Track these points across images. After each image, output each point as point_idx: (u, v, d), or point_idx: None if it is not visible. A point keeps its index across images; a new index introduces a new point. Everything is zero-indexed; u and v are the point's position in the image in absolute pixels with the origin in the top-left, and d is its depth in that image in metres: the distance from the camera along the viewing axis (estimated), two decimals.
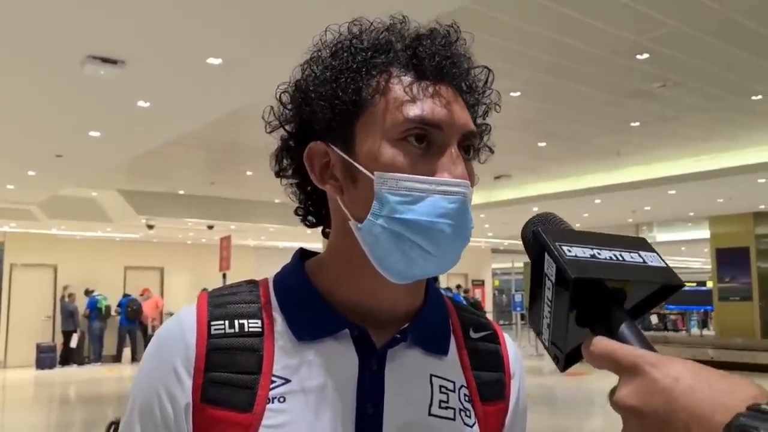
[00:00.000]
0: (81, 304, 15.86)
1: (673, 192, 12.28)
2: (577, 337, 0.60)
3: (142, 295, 16.38)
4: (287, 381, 0.74)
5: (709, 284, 18.34)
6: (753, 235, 15.17)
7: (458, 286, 19.69)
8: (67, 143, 8.20)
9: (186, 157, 10.28)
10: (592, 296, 0.59)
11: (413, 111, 0.73)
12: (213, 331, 0.76)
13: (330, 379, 0.75)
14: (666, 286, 0.62)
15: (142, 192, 12.96)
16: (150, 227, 14.49)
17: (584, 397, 9.53)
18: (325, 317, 0.77)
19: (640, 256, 0.62)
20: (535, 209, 14.53)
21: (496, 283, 29.37)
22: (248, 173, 11.26)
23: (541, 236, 0.62)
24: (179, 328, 0.77)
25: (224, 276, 11.66)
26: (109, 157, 9.00)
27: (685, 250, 26.24)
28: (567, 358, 0.61)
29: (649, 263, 0.62)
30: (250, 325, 0.77)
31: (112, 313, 16.13)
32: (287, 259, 0.86)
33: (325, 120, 0.76)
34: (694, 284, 26.97)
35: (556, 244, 0.60)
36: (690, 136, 9.64)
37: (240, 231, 15.49)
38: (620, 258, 0.61)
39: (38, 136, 7.86)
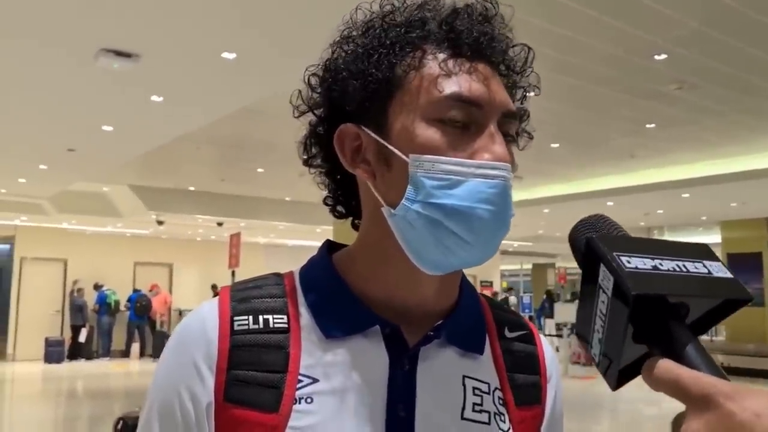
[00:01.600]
0: (90, 298, 15.92)
1: (686, 195, 12.19)
2: (632, 354, 0.55)
3: (151, 290, 16.42)
4: (315, 380, 0.70)
5: None
6: (766, 241, 15.06)
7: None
8: (79, 137, 8.20)
9: (197, 153, 10.28)
10: (652, 310, 0.54)
11: (450, 88, 0.68)
12: (236, 327, 0.71)
13: (359, 378, 0.70)
14: (731, 300, 0.57)
15: (153, 188, 12.98)
16: (160, 223, 14.51)
17: (593, 402, 9.46)
18: (355, 313, 0.73)
19: (704, 266, 0.57)
20: (546, 211, 14.50)
21: (505, 284, 29.30)
22: (259, 170, 11.24)
23: (596, 245, 0.56)
24: (200, 324, 0.72)
25: (233, 273, 11.65)
26: (122, 151, 9.00)
27: None
28: (620, 375, 0.56)
29: (715, 274, 0.56)
30: (275, 320, 0.72)
31: (122, 308, 16.20)
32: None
33: (356, 100, 0.71)
34: None
35: (614, 254, 0.55)
36: (706, 140, 9.54)
37: (250, 228, 15.49)
38: (684, 269, 0.55)
39: (51, 130, 7.87)
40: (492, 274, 24.14)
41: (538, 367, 0.82)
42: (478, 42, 0.71)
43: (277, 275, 0.79)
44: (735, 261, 15.55)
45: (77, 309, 15.60)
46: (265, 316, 0.72)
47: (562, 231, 17.59)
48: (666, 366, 0.50)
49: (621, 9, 5.34)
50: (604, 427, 8.51)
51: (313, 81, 0.77)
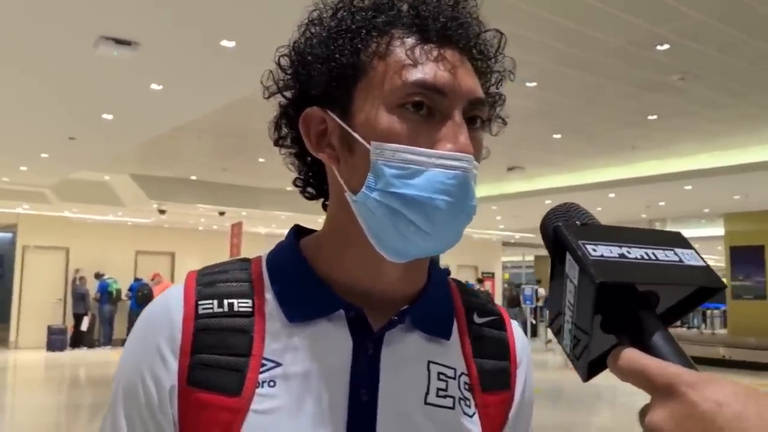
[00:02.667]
0: (92, 287, 15.97)
1: (689, 187, 12.15)
2: (603, 345, 0.54)
3: (152, 279, 16.47)
4: (278, 364, 0.70)
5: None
6: None
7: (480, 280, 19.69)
8: (80, 126, 8.20)
9: (198, 142, 10.27)
10: (621, 300, 0.52)
11: (414, 75, 0.67)
12: (201, 311, 0.71)
13: (323, 362, 0.70)
14: (704, 288, 0.55)
15: (154, 177, 12.99)
16: (161, 212, 14.54)
17: (591, 392, 9.47)
18: (319, 297, 0.73)
19: (675, 253, 0.55)
20: (548, 202, 14.44)
21: (507, 276, 29.30)
22: (260, 160, 11.24)
23: (562, 233, 0.55)
24: (165, 308, 0.73)
25: None
26: (122, 140, 9.00)
27: (699, 247, 25.88)
28: (590, 366, 0.55)
29: (687, 262, 0.55)
30: (240, 304, 0.72)
31: (123, 297, 16.25)
32: None
33: (321, 84, 0.71)
34: None
35: (580, 242, 0.53)
36: (709, 131, 9.50)
37: (251, 218, 15.50)
38: (653, 257, 0.54)
39: (51, 118, 7.87)
40: (494, 266, 24.14)
41: (508, 353, 0.81)
42: (446, 28, 0.70)
43: (245, 260, 0.79)
44: (738, 254, 15.52)
45: (79, 297, 15.66)
46: (230, 300, 0.72)
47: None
48: (631, 355, 0.49)
49: None
50: (602, 418, 8.53)
51: (284, 62, 0.76)
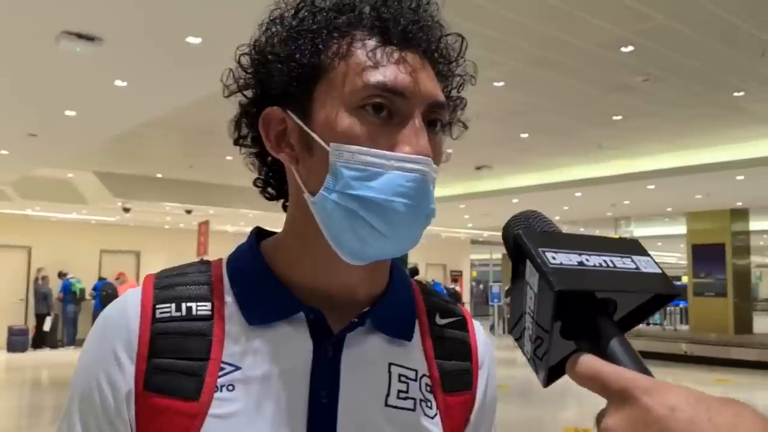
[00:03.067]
0: (55, 286, 15.67)
1: (652, 187, 12.38)
2: (562, 351, 0.55)
3: (117, 279, 16.22)
4: (237, 368, 0.69)
5: (685, 279, 18.57)
6: (729, 232, 15.36)
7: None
8: (41, 122, 8.03)
9: (164, 139, 10.13)
10: (579, 306, 0.53)
11: (374, 77, 0.67)
12: (158, 315, 0.70)
13: (282, 365, 0.70)
14: (660, 295, 0.56)
15: (119, 174, 12.79)
16: (126, 210, 14.31)
17: (559, 389, 9.53)
18: (279, 299, 0.72)
19: (633, 261, 0.56)
20: (516, 201, 14.60)
21: (474, 274, 29.50)
22: (228, 158, 11.13)
23: (522, 241, 0.56)
24: (122, 312, 0.72)
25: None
26: (85, 137, 8.84)
27: (662, 245, 26.57)
28: (550, 372, 0.56)
29: (643, 269, 0.56)
30: (198, 308, 0.71)
31: (87, 296, 15.97)
32: None
33: (282, 84, 0.70)
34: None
35: (539, 250, 0.54)
36: (671, 131, 9.69)
37: (219, 216, 15.36)
38: (611, 264, 0.55)
39: (10, 114, 7.69)
40: (462, 264, 24.30)
41: (470, 354, 0.81)
42: (407, 30, 0.70)
43: (205, 262, 0.78)
44: (700, 252, 15.86)
45: (42, 297, 15.35)
46: (188, 304, 0.71)
47: None
48: (588, 361, 0.50)
49: (588, 1, 5.38)
50: (570, 414, 8.64)
51: (244, 61, 0.76)
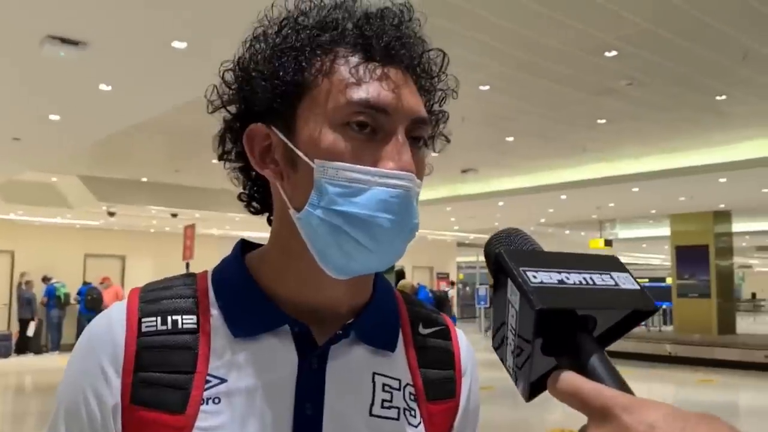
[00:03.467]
0: (39, 291, 15.51)
1: (636, 189, 12.47)
2: (544, 367, 0.56)
3: (102, 283, 16.09)
4: (223, 381, 0.70)
5: (669, 281, 18.72)
6: (712, 234, 15.50)
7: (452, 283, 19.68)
8: (25, 126, 7.96)
9: (150, 143, 10.08)
10: (560, 324, 0.54)
11: (358, 94, 0.68)
12: (144, 329, 0.71)
13: (268, 378, 0.70)
14: (638, 311, 0.57)
15: (104, 178, 12.70)
16: (111, 214, 14.21)
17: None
18: (264, 312, 0.73)
19: (611, 278, 0.57)
20: (501, 204, 14.66)
21: (461, 276, 29.54)
22: (214, 161, 10.98)
23: (503, 260, 0.57)
24: (107, 326, 0.72)
25: (187, 265, 11.50)
26: (70, 141, 8.77)
27: (646, 246, 26.77)
28: (532, 387, 0.57)
29: (622, 286, 0.57)
30: (184, 321, 0.72)
31: (72, 301, 15.83)
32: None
33: (266, 101, 0.71)
34: (647, 280, 27.44)
35: (520, 269, 0.55)
36: (655, 135, 9.78)
37: (205, 220, 15.29)
38: (590, 281, 0.56)
39: None
40: (448, 266, 24.34)
41: (453, 362, 0.82)
42: (390, 47, 0.71)
43: (190, 275, 0.78)
44: (683, 253, 15.99)
45: (25, 302, 15.19)
46: (174, 317, 0.72)
47: (517, 224, 17.82)
48: (569, 378, 0.50)
49: (573, 7, 5.43)
50: (555, 416, 8.68)
51: (228, 77, 0.76)
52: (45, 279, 15.68)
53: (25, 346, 15.06)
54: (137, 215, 15.11)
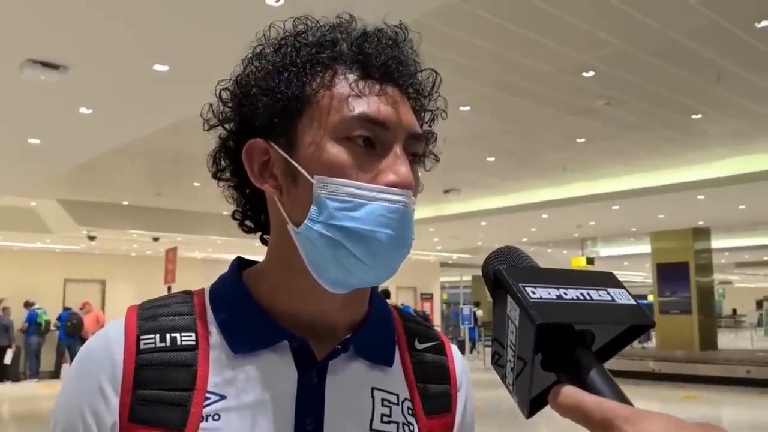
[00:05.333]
0: (18, 317, 15.24)
1: (616, 207, 12.60)
2: (543, 382, 0.57)
3: (82, 308, 15.85)
4: (223, 397, 0.70)
5: (650, 298, 18.84)
6: (692, 251, 15.67)
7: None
8: (4, 150, 7.90)
9: (131, 167, 10.03)
10: (559, 339, 0.55)
11: (358, 108, 0.70)
12: (142, 346, 0.71)
13: (267, 393, 0.71)
14: (635, 326, 0.59)
15: (84, 202, 12.59)
16: (91, 238, 14.07)
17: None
18: (263, 328, 0.73)
19: (608, 293, 0.58)
20: (484, 224, 14.74)
21: (445, 296, 29.51)
22: (196, 184, 11.05)
23: (503, 277, 0.58)
24: (105, 344, 0.72)
25: (169, 289, 11.40)
26: (49, 165, 8.71)
27: (628, 264, 26.96)
28: (532, 403, 0.57)
29: (618, 301, 0.58)
30: (183, 338, 0.72)
31: (52, 327, 15.57)
32: None
33: (266, 116, 0.72)
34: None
35: (520, 285, 0.56)
36: (633, 153, 9.92)
37: (187, 243, 15.18)
38: (588, 297, 0.57)
39: None
40: (432, 287, 24.33)
41: (449, 377, 0.83)
42: (387, 65, 0.73)
43: (187, 293, 0.79)
44: (664, 270, 16.13)
45: (3, 329, 14.89)
46: (173, 334, 0.72)
47: (500, 243, 17.85)
48: (569, 392, 0.51)
49: (551, 28, 5.52)
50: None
51: (225, 95, 0.78)
52: (27, 304, 15.42)
53: (2, 373, 14.76)
54: (118, 239, 14.97)
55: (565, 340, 0.55)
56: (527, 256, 0.64)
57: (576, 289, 0.57)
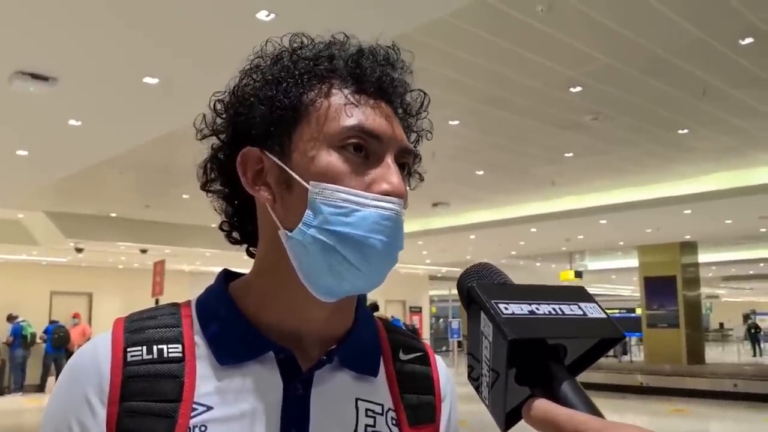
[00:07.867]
0: (3, 330, 15.07)
1: (604, 221, 12.67)
2: (518, 396, 0.57)
3: (73, 318, 15.71)
4: (209, 408, 0.70)
5: (638, 311, 18.91)
6: (679, 265, 15.76)
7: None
8: None
9: (120, 178, 10.00)
10: (532, 353, 0.56)
11: (353, 119, 0.72)
12: (129, 358, 0.71)
13: (254, 404, 0.71)
14: (606, 339, 0.60)
15: (71, 214, 12.51)
16: (79, 251, 13.97)
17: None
18: (249, 339, 0.74)
19: (580, 308, 0.60)
20: (472, 237, 14.76)
21: (434, 310, 29.49)
22: (184, 196, 11.03)
23: (476, 293, 0.59)
24: (92, 356, 0.72)
25: (157, 301, 11.33)
26: (37, 177, 8.67)
27: (616, 278, 27.07)
28: (507, 417, 0.58)
29: (590, 315, 0.59)
30: (170, 350, 0.73)
31: (38, 340, 15.40)
32: None
33: (263, 124, 0.74)
34: (617, 311, 27.72)
35: (492, 301, 0.57)
36: (620, 168, 9.99)
37: (175, 255, 15.10)
38: (560, 312, 0.58)
39: None
40: (421, 300, 24.31)
41: (433, 388, 0.84)
42: (381, 81, 0.76)
43: (174, 305, 0.79)
44: (652, 284, 16.21)
45: None
46: (160, 346, 0.73)
47: (488, 257, 17.97)
48: (542, 405, 0.52)
49: (539, 44, 5.57)
50: None
51: (219, 107, 0.79)
52: (10, 318, 15.25)
53: None
54: (105, 251, 14.88)
55: (537, 355, 0.56)
56: (501, 272, 0.65)
57: (548, 304, 0.58)
